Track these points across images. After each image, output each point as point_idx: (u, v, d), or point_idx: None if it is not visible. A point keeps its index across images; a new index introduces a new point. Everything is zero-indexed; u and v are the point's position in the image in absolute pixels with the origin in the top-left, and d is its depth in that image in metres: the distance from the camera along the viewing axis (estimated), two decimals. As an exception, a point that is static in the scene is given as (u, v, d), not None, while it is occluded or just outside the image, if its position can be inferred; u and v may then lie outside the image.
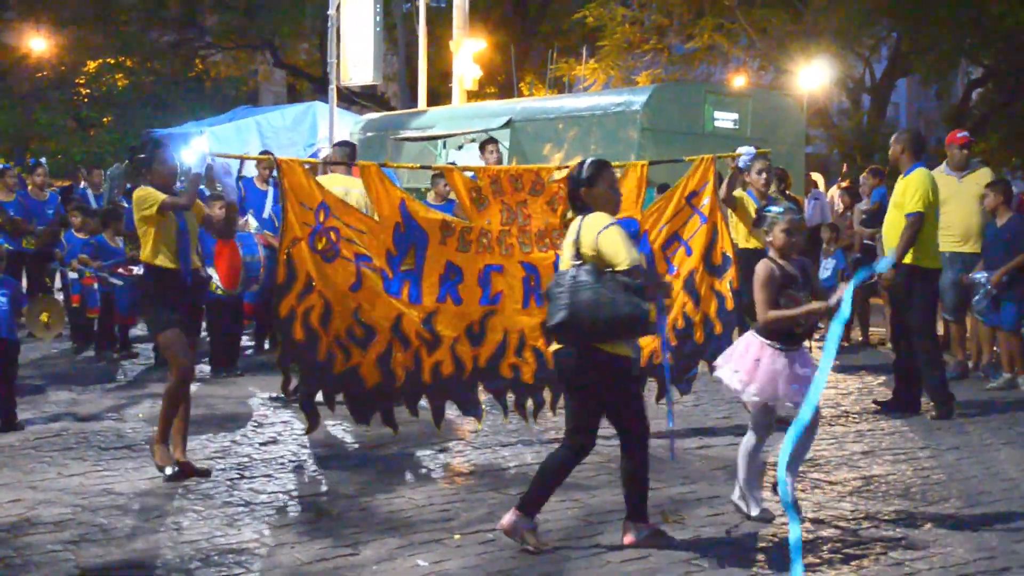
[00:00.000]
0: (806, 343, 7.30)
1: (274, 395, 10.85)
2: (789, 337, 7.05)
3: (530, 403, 9.30)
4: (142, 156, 8.38)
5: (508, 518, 6.55)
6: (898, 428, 9.99)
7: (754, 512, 7.19)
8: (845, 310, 6.61)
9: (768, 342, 7.03)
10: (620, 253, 6.29)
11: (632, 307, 6.22)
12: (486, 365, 9.05)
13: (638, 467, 6.62)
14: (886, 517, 7.29)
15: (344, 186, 9.93)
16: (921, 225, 10.19)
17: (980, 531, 7.06)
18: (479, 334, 8.96)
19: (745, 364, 7.06)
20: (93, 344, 13.58)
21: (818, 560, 6.49)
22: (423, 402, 9.01)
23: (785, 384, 6.99)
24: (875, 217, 14.37)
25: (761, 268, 7.14)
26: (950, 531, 7.04)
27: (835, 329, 6.73)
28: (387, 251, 8.72)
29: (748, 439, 7.24)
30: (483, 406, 9.28)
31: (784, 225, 7.13)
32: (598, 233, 6.36)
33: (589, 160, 6.65)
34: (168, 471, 7.94)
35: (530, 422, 9.47)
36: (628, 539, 6.58)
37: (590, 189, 6.51)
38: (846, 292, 6.64)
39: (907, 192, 10.29)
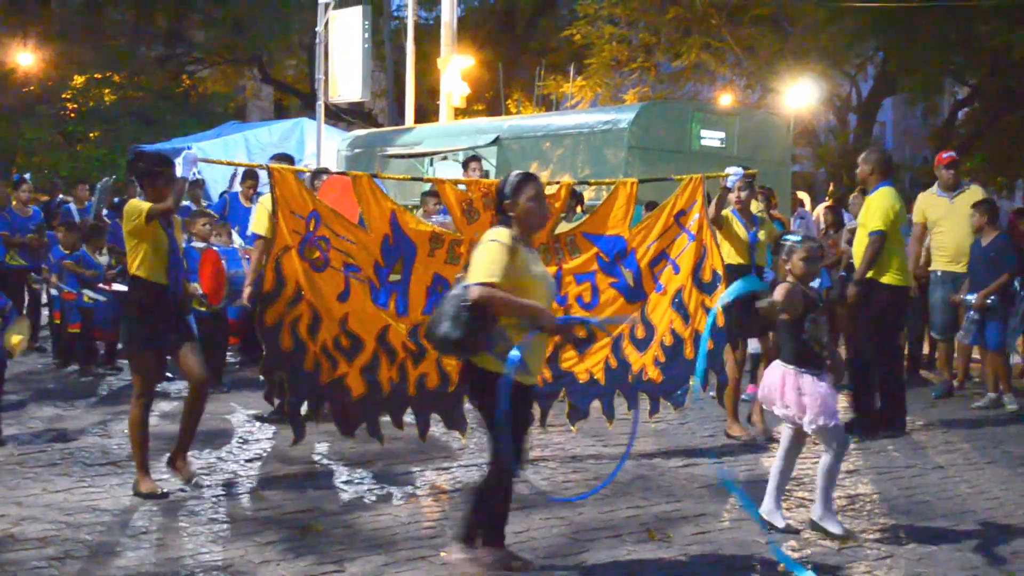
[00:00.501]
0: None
1: (259, 412, 10.81)
2: (815, 360, 7.18)
3: None
4: (141, 165, 8.29)
5: (483, 556, 6.40)
6: (883, 447, 10.01)
7: (836, 530, 7.25)
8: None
9: (802, 370, 7.15)
10: (477, 270, 6.08)
11: (448, 324, 5.98)
12: None
13: (484, 490, 6.39)
14: (871, 535, 7.31)
15: None
16: (883, 243, 10.25)
17: (965, 549, 7.09)
18: None
19: (790, 397, 7.18)
20: (75, 359, 13.57)
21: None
22: (408, 416, 9.01)
23: (809, 406, 7.12)
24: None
25: (788, 285, 7.27)
26: (935, 549, 7.07)
27: None
28: (375, 262, 8.74)
29: (832, 460, 7.27)
30: (469, 421, 9.28)
31: (803, 253, 7.26)
32: (480, 245, 6.23)
33: (514, 173, 6.46)
34: (158, 492, 7.94)
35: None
36: (449, 554, 6.52)
37: (513, 201, 6.25)
38: None
39: (870, 211, 10.37)
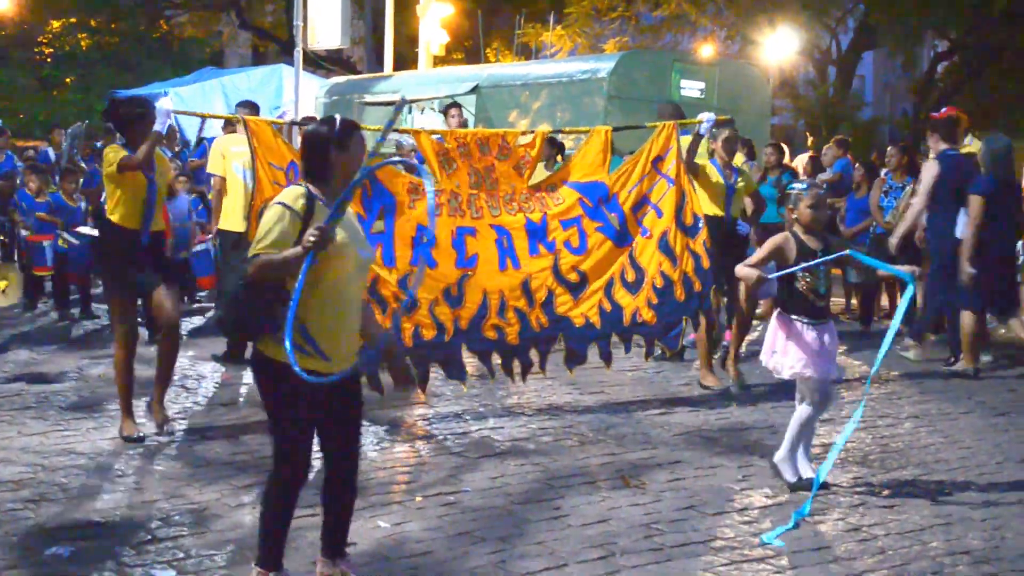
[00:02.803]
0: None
1: (215, 353, 10.78)
2: (813, 311, 7.15)
3: (516, 364, 9.34)
4: (122, 112, 8.21)
5: None
6: (858, 397, 10.05)
7: (789, 479, 7.24)
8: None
9: (794, 317, 7.16)
10: (261, 237, 5.13)
11: (224, 304, 5.37)
12: (468, 327, 9.06)
13: (264, 501, 5.42)
14: (844, 483, 7.35)
15: (246, 145, 9.57)
16: None
17: (936, 498, 7.15)
18: (457, 296, 8.99)
19: (779, 343, 7.21)
20: (42, 301, 13.61)
21: (776, 525, 6.54)
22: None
23: (816, 356, 7.10)
24: (835, 188, 14.50)
25: (778, 236, 7.30)
26: (907, 498, 7.13)
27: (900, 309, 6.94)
28: (356, 214, 8.66)
29: (803, 409, 7.27)
30: (467, 369, 9.33)
31: (809, 200, 7.22)
32: (267, 206, 5.33)
33: (338, 117, 5.39)
34: (136, 436, 7.94)
35: (516, 383, 9.50)
36: None
37: (343, 148, 5.23)
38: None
39: None
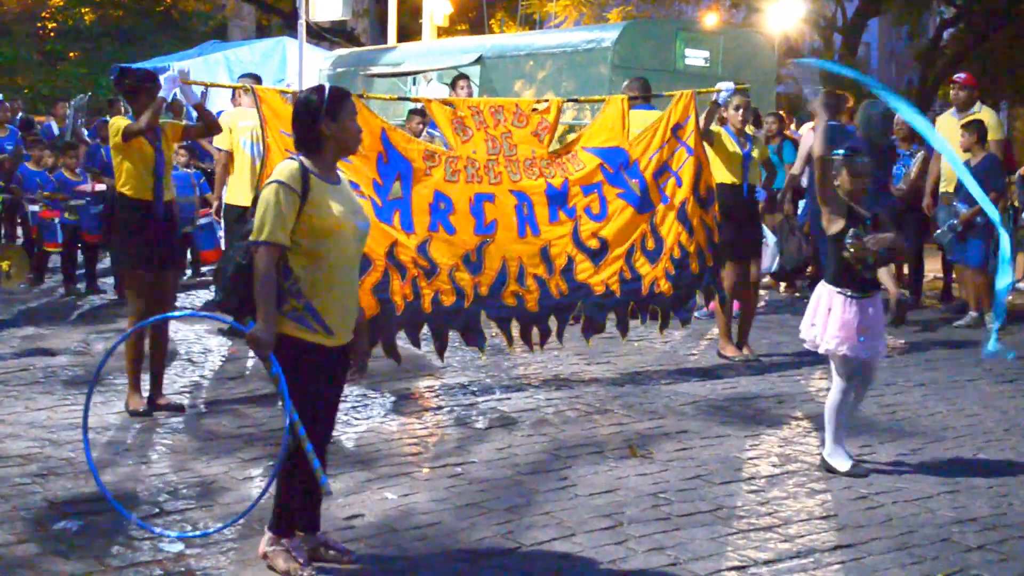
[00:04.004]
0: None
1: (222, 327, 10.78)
2: (860, 283, 6.94)
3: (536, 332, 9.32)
4: (127, 82, 8.20)
5: (263, 545, 5.41)
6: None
7: (843, 468, 6.98)
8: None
9: (839, 290, 6.95)
10: (257, 222, 5.05)
11: (221, 284, 5.29)
12: (488, 293, 9.04)
13: (280, 470, 5.28)
14: (851, 452, 7.34)
15: (253, 119, 9.46)
16: None
17: (944, 465, 7.15)
18: (477, 263, 8.96)
19: (820, 316, 7.01)
20: (48, 277, 13.62)
21: (783, 494, 6.55)
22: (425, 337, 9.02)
23: (857, 333, 6.89)
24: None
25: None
26: (914, 466, 7.13)
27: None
28: (372, 180, 8.67)
29: (833, 393, 7.10)
30: (487, 336, 9.30)
31: (851, 167, 7.04)
32: (264, 185, 5.20)
33: (327, 86, 5.30)
34: (142, 410, 7.95)
35: (523, 353, 9.48)
36: (260, 549, 5.43)
37: (333, 118, 5.17)
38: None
39: None
